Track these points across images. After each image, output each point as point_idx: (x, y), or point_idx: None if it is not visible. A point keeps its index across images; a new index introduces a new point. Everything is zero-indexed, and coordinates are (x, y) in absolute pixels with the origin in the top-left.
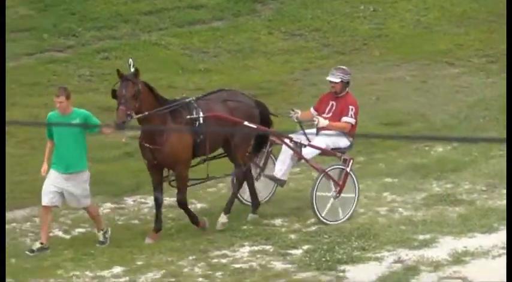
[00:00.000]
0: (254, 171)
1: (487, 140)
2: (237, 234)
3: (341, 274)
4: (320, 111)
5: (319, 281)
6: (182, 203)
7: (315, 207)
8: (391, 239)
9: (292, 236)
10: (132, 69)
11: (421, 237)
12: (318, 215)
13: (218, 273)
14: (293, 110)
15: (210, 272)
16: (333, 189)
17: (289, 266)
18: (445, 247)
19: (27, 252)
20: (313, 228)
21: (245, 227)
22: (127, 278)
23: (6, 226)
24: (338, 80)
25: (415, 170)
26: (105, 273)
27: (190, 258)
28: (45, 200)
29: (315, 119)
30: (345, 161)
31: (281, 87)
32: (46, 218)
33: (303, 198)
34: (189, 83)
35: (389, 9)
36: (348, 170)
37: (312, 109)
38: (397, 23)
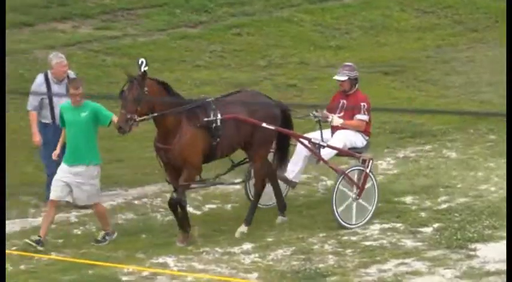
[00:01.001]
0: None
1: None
2: (365, 212)
3: (472, 253)
4: (332, 112)
5: (450, 259)
6: (173, 205)
7: (340, 220)
8: None
9: (423, 214)
10: (145, 69)
11: None
12: (334, 209)
13: (348, 251)
14: (317, 111)
15: (340, 250)
16: (354, 190)
17: (420, 244)
18: None
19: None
20: (444, 206)
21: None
22: (256, 255)
23: (136, 202)
24: (345, 78)
25: None
26: (235, 249)
27: (321, 235)
28: (53, 195)
29: (329, 117)
30: (364, 161)
31: (413, 65)
32: (50, 213)
33: (434, 176)
34: (321, 60)
35: None
36: (368, 170)
37: (325, 110)
38: None
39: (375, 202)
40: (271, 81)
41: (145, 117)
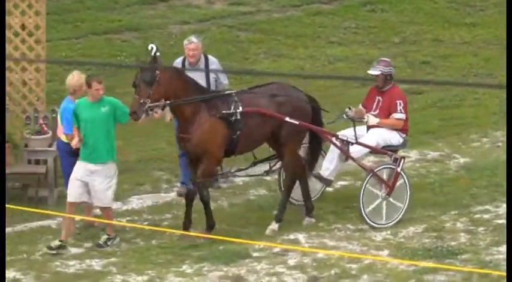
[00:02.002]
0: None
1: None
2: (499, 189)
3: None
4: (368, 108)
5: None
6: (189, 197)
7: (369, 220)
8: None
9: None
10: (157, 54)
11: None
12: (362, 210)
13: (480, 229)
14: (350, 108)
15: (472, 228)
16: (383, 189)
17: None
18: None
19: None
20: None
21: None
22: (388, 232)
23: (269, 178)
24: (378, 73)
25: None
26: (367, 226)
27: (453, 213)
28: (71, 197)
29: (365, 117)
30: (395, 160)
31: None
32: (70, 214)
33: None
34: (455, 37)
35: None
36: (399, 169)
37: (360, 106)
38: None
39: (407, 200)
40: (404, 58)
41: (157, 103)
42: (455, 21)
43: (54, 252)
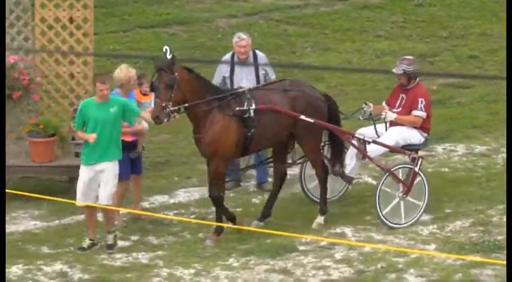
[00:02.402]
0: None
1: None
2: None
3: None
4: (391, 106)
5: None
6: (216, 201)
7: (387, 221)
8: None
9: None
10: (169, 57)
11: None
12: (379, 211)
13: None
14: (366, 104)
15: None
16: (400, 189)
17: None
18: None
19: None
20: None
21: None
22: (435, 226)
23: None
24: (400, 72)
25: None
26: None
27: (500, 207)
28: (81, 201)
29: (383, 113)
30: (413, 159)
31: None
32: (89, 216)
33: None
34: (503, 31)
35: None
36: (417, 169)
37: (384, 103)
38: None
39: (426, 197)
40: (452, 52)
41: (179, 106)
42: (503, 15)
43: (86, 252)
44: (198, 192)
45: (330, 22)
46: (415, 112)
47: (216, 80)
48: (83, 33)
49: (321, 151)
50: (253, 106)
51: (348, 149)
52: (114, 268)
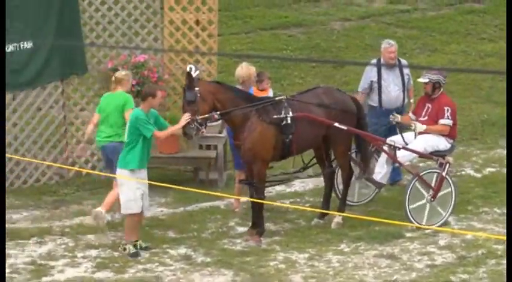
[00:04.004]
0: (355, 171)
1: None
2: None
3: None
4: (417, 115)
5: None
6: (256, 204)
7: (410, 217)
8: None
9: None
10: (195, 74)
11: None
12: (406, 205)
13: None
14: (393, 115)
15: None
16: (428, 193)
17: None
18: None
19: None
20: None
21: None
22: (463, 223)
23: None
24: (426, 81)
25: None
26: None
27: None
28: (138, 208)
29: (412, 124)
30: (441, 164)
31: None
32: (138, 219)
33: None
34: None
35: None
36: (444, 174)
37: (410, 113)
38: None
39: (450, 209)
40: None
41: (206, 115)
42: None
43: (135, 255)
44: (313, 182)
45: (436, 25)
46: (442, 121)
47: (362, 85)
48: (207, 34)
49: (350, 156)
50: (290, 114)
51: (378, 157)
52: (234, 252)
